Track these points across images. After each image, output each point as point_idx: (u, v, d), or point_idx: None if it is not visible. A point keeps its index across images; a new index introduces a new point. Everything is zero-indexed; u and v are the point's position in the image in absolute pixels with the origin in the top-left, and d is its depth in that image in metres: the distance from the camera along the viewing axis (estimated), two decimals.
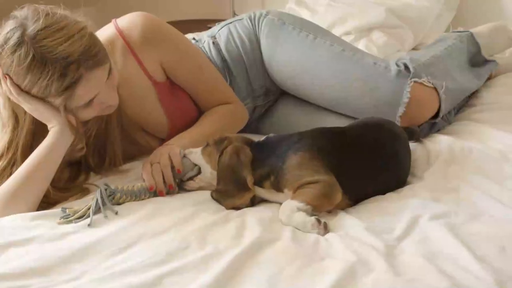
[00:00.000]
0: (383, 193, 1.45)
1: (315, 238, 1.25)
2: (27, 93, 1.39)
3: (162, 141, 1.71)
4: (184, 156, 1.50)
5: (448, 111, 1.87)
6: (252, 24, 1.90)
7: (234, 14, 3.68)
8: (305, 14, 2.71)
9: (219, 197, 1.42)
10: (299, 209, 1.31)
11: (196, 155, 1.49)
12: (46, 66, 1.32)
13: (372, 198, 1.44)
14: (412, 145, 1.66)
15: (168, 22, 3.45)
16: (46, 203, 1.46)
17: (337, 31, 2.46)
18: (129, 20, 1.63)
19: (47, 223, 1.31)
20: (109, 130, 1.59)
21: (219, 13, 3.89)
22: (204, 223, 1.29)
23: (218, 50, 1.87)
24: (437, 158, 1.59)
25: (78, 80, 1.36)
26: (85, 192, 1.52)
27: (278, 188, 1.41)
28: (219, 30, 1.91)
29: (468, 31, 2.10)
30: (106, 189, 1.37)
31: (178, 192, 1.48)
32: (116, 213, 1.33)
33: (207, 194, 1.45)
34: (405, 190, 1.45)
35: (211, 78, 1.76)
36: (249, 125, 1.87)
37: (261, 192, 1.44)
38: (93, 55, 1.37)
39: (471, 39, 2.08)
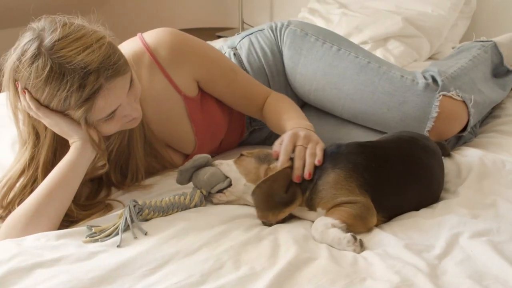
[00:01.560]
0: (417, 209, 1.41)
1: (352, 257, 1.20)
2: (47, 107, 1.34)
3: (186, 157, 1.67)
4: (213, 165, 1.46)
5: (474, 124, 1.83)
6: (274, 35, 1.86)
7: (243, 23, 3.65)
8: (319, 23, 2.68)
9: (261, 200, 1.34)
10: (333, 226, 1.27)
11: (228, 166, 1.45)
12: (65, 77, 1.28)
13: (406, 214, 1.40)
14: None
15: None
16: (68, 221, 1.41)
17: (353, 41, 2.42)
18: (156, 36, 1.60)
19: (73, 242, 1.27)
20: (132, 145, 1.54)
21: (227, 22, 3.87)
22: (237, 241, 1.25)
23: (240, 62, 1.83)
24: (469, 172, 1.54)
25: (98, 91, 1.31)
26: (108, 208, 1.48)
27: (311, 205, 1.37)
28: (240, 41, 1.87)
29: (491, 41, 2.07)
30: (134, 206, 1.33)
31: (203, 205, 1.44)
32: (146, 233, 1.28)
33: (235, 211, 1.41)
34: (440, 205, 1.41)
35: (246, 78, 1.72)
36: (270, 138, 1.83)
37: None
38: (112, 64, 1.32)
39: (494, 49, 2.04)
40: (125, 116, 1.41)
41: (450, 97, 1.69)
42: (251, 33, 1.89)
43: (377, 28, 2.55)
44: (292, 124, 1.53)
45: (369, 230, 1.32)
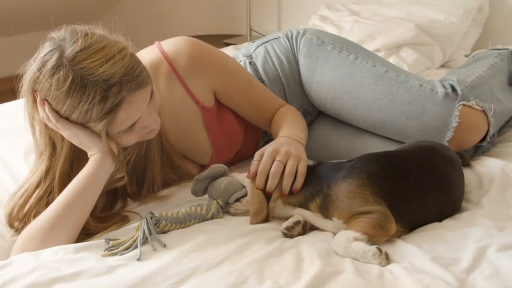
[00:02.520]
0: (439, 219, 1.39)
1: (378, 270, 1.18)
2: (66, 119, 1.32)
3: (202, 167, 1.65)
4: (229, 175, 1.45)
5: (493, 133, 1.81)
6: (289, 43, 1.84)
7: (251, 30, 3.63)
8: (330, 31, 2.66)
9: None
10: (355, 239, 1.25)
11: (245, 175, 1.43)
12: (86, 89, 1.25)
13: (428, 225, 1.37)
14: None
15: None
16: (84, 234, 1.39)
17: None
18: (175, 45, 1.58)
19: (92, 255, 1.24)
20: (149, 156, 1.52)
21: (235, 29, 3.85)
22: (259, 255, 1.22)
23: (255, 70, 1.81)
24: (491, 183, 1.52)
25: (120, 103, 1.28)
26: (124, 220, 1.46)
27: (326, 214, 1.35)
28: (255, 50, 1.85)
29: (507, 49, 2.04)
30: (151, 218, 1.31)
31: (220, 217, 1.42)
32: (164, 245, 1.26)
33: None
34: (464, 217, 1.39)
35: (262, 90, 1.71)
36: None
37: (307, 215, 1.38)
38: (135, 76, 1.29)
39: (511, 57, 2.02)
40: (145, 128, 1.38)
41: (470, 106, 1.67)
42: (267, 41, 1.87)
43: (390, 36, 2.53)
44: (282, 133, 1.53)
45: (390, 237, 1.30)
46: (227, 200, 1.42)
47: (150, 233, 1.27)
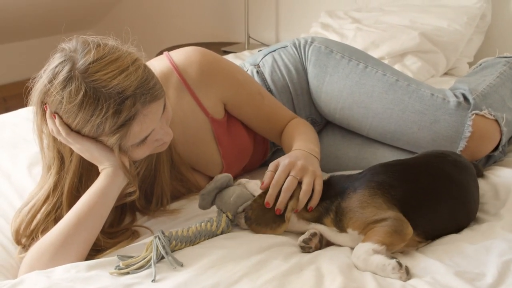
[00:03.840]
0: (455, 229, 1.37)
1: (401, 286, 1.15)
2: (78, 132, 1.27)
3: (211, 179, 1.62)
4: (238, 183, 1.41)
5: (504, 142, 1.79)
6: (297, 52, 1.81)
7: (249, 37, 3.60)
8: (333, 38, 2.62)
9: (254, 218, 1.35)
10: (375, 251, 1.22)
11: (257, 185, 1.40)
12: (100, 103, 1.21)
13: (447, 238, 1.34)
14: None
15: (181, 45, 3.43)
16: (94, 250, 1.35)
17: None
18: (185, 56, 1.54)
19: (105, 273, 1.20)
20: (158, 169, 1.48)
21: (233, 37, 3.83)
22: (278, 271, 1.18)
23: (263, 80, 1.78)
24: (508, 193, 1.49)
25: (134, 117, 1.24)
26: (135, 235, 1.42)
27: (341, 227, 1.32)
28: (262, 59, 1.82)
29: None
30: (164, 236, 1.26)
31: (230, 231, 1.38)
32: (182, 265, 1.21)
33: (270, 238, 1.34)
34: (483, 228, 1.36)
35: (272, 101, 1.67)
36: None
37: (323, 230, 1.35)
38: (149, 88, 1.25)
39: None
40: (157, 140, 1.34)
41: (483, 116, 1.65)
42: (274, 50, 1.84)
43: (394, 44, 2.51)
44: (297, 146, 1.49)
45: (407, 243, 1.28)
46: (236, 212, 1.38)
47: (167, 253, 1.23)
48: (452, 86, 1.84)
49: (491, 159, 1.75)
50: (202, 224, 1.35)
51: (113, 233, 1.41)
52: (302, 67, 1.80)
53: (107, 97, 1.21)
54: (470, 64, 2.73)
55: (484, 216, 1.44)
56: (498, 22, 2.79)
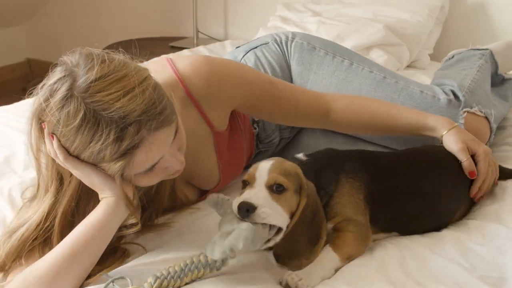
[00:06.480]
0: (420, 224, 1.34)
1: None
2: (77, 157, 1.12)
3: (202, 193, 1.52)
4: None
5: None
6: (280, 49, 1.72)
7: (197, 32, 3.47)
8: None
9: (286, 256, 1.17)
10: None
11: (274, 213, 1.14)
12: (100, 127, 1.06)
13: (452, 236, 1.30)
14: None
15: (128, 41, 3.26)
16: None
17: None
18: (191, 68, 1.38)
19: None
20: (159, 192, 1.35)
21: (180, 31, 3.69)
22: None
23: None
24: (503, 192, 1.46)
25: (139, 145, 1.09)
26: (126, 254, 1.27)
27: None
28: (244, 56, 1.72)
29: (487, 49, 2.01)
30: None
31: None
32: None
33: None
34: (489, 229, 1.32)
35: (287, 88, 1.51)
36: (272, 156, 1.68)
37: None
38: (157, 113, 1.09)
39: (491, 58, 1.98)
40: (166, 168, 1.20)
41: (474, 113, 1.61)
42: (255, 47, 1.73)
43: (359, 37, 2.45)
44: (438, 123, 1.46)
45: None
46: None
47: None
48: (436, 81, 1.80)
49: None
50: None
51: (103, 257, 1.26)
52: (286, 64, 1.71)
53: (108, 121, 1.06)
54: (431, 56, 2.72)
55: (484, 215, 1.40)
56: (455, 13, 2.79)
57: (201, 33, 3.51)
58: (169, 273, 1.11)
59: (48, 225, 1.19)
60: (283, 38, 1.73)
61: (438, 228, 1.35)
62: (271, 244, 1.16)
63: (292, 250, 1.17)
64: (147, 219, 1.38)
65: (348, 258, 1.19)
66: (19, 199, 1.47)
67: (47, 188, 1.20)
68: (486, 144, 1.66)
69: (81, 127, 1.06)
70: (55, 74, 1.10)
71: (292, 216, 1.16)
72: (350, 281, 1.12)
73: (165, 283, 1.10)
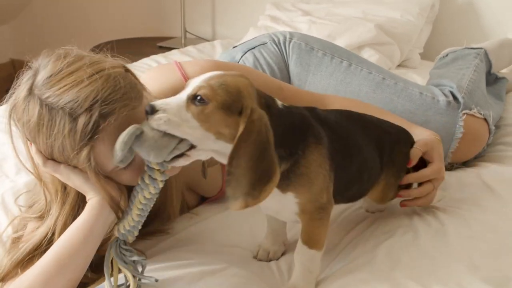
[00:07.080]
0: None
1: None
2: (53, 159, 1.10)
3: (203, 200, 1.49)
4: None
5: None
6: (278, 49, 1.70)
7: (185, 32, 3.44)
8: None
9: (233, 197, 0.99)
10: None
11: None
12: (54, 121, 1.05)
13: (453, 236, 1.27)
14: (468, 176, 1.54)
15: (117, 41, 3.21)
16: (82, 283, 1.16)
17: None
18: (201, 72, 1.28)
19: None
20: (168, 193, 1.30)
21: (169, 31, 3.65)
22: None
23: None
24: (505, 189, 1.46)
25: (96, 132, 1.05)
26: None
27: (283, 186, 1.05)
28: (242, 56, 1.70)
29: (481, 48, 2.01)
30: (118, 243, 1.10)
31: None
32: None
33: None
34: (489, 224, 1.30)
35: (293, 91, 1.49)
36: None
37: None
38: (115, 99, 1.05)
39: (486, 57, 1.98)
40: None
41: (473, 115, 1.60)
42: (253, 47, 1.71)
43: (351, 36, 2.44)
44: (422, 133, 1.36)
45: None
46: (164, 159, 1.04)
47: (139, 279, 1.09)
48: (434, 81, 1.79)
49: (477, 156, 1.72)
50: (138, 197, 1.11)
51: (100, 264, 1.23)
52: (284, 65, 1.70)
53: (61, 114, 1.04)
54: (421, 55, 2.72)
55: (490, 215, 1.37)
56: (445, 12, 2.79)
57: (189, 33, 3.47)
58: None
59: (51, 236, 1.17)
60: (281, 38, 1.72)
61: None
62: (177, 152, 1.03)
63: (239, 188, 0.99)
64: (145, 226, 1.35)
65: (324, 244, 1.12)
66: (13, 203, 1.45)
67: (53, 201, 1.18)
68: (485, 145, 1.66)
69: (39, 124, 1.06)
70: (24, 76, 1.11)
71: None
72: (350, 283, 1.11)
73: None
